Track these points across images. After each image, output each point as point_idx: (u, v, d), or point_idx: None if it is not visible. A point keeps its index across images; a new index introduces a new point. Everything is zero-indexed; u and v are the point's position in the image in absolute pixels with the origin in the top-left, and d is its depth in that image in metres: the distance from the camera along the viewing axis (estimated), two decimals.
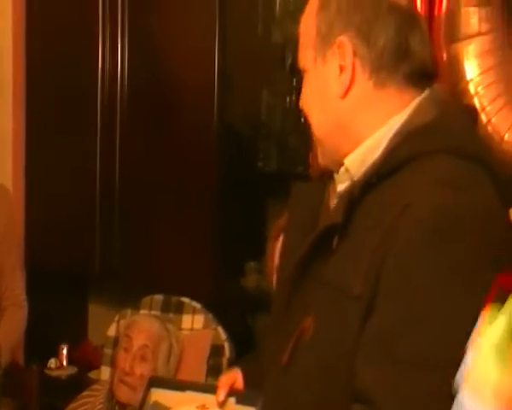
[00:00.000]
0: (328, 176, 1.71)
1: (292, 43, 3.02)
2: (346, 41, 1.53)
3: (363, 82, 1.55)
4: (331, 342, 1.49)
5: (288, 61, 3.07)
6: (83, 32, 3.42)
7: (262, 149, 3.19)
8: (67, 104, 3.50)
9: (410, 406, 1.36)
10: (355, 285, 1.44)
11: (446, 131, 1.53)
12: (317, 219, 1.66)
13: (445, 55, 2.35)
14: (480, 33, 2.27)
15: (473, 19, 2.27)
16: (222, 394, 1.85)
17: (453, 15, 2.31)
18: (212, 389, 1.95)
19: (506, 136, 2.21)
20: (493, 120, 2.26)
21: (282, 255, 1.82)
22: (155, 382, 1.97)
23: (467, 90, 2.31)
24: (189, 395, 1.88)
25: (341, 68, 1.54)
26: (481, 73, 2.28)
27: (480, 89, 2.29)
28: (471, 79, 2.30)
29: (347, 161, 1.57)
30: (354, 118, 1.57)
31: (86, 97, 3.44)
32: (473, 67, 2.30)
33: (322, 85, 1.59)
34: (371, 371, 1.39)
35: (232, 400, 1.85)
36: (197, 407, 1.77)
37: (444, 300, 1.38)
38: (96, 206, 3.45)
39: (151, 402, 1.86)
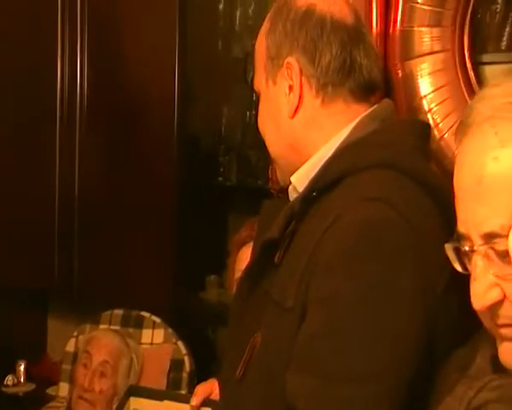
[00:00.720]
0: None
1: (252, 58, 3.06)
2: (293, 61, 1.56)
3: (311, 100, 1.58)
4: (274, 355, 1.50)
5: (249, 76, 3.01)
6: (41, 43, 3.40)
7: (222, 163, 3.20)
8: (26, 118, 3.47)
9: None
10: (288, 298, 1.46)
11: (380, 146, 1.55)
12: None
13: (400, 72, 2.37)
14: (432, 52, 2.30)
15: (425, 38, 2.31)
16: (195, 400, 1.85)
17: (407, 34, 2.34)
18: (185, 399, 1.97)
19: (456, 152, 2.25)
20: (446, 136, 2.29)
21: (242, 272, 1.79)
22: (134, 391, 2.01)
23: (421, 107, 2.34)
24: (167, 403, 1.91)
25: (290, 88, 1.58)
26: (434, 91, 2.32)
27: (433, 105, 2.33)
28: (425, 96, 2.33)
29: (293, 179, 1.60)
30: (304, 136, 1.61)
31: (45, 110, 3.42)
32: (426, 85, 2.33)
33: (274, 106, 1.63)
34: (296, 378, 1.40)
35: None
36: None
37: (366, 312, 1.38)
38: (54, 220, 3.44)
39: None
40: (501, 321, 1.13)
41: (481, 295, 1.12)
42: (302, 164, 1.60)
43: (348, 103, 1.59)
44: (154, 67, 3.21)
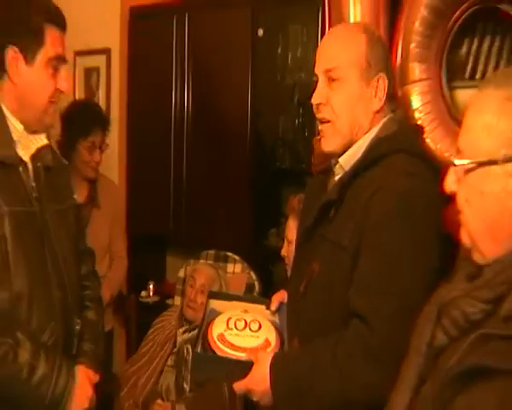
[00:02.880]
0: (326, 172, 1.72)
1: (298, 85, 3.01)
2: (384, 78, 1.56)
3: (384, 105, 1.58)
4: (332, 279, 1.51)
5: (296, 97, 3.04)
6: (162, 85, 3.45)
7: (279, 154, 3.19)
8: (154, 128, 3.53)
9: (387, 319, 1.37)
10: (345, 239, 1.47)
11: (403, 139, 1.55)
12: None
13: (399, 93, 2.32)
14: (421, 79, 2.25)
15: (416, 70, 2.25)
16: (274, 304, 1.81)
17: (404, 67, 2.29)
18: (249, 300, 1.97)
19: (439, 146, 2.20)
20: (430, 136, 2.24)
21: (300, 225, 1.81)
22: (212, 294, 1.96)
23: (413, 116, 2.29)
24: (234, 303, 1.86)
25: (376, 93, 1.55)
26: (422, 105, 2.26)
27: (421, 115, 2.27)
28: (416, 109, 2.28)
29: (341, 160, 1.59)
30: (360, 122, 1.57)
31: (164, 127, 3.46)
32: (417, 101, 2.28)
33: (361, 99, 1.55)
34: (361, 298, 1.42)
35: (268, 311, 1.82)
36: (241, 311, 1.75)
37: (405, 252, 1.40)
38: (170, 191, 3.47)
39: (209, 309, 1.82)
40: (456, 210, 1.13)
41: (446, 183, 1.13)
42: (350, 138, 1.57)
43: (383, 109, 1.60)
44: (234, 92, 3.20)
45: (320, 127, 1.63)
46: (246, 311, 1.75)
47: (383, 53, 1.58)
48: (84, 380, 1.73)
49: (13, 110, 1.66)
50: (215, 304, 1.85)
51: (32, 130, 1.72)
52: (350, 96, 1.56)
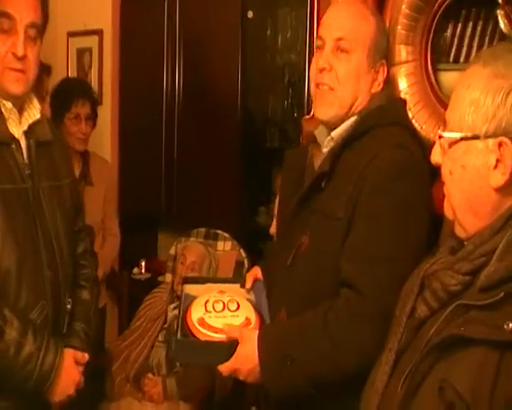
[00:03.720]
0: (305, 146, 1.72)
1: (288, 66, 3.04)
2: (385, 64, 1.61)
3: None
4: (321, 250, 1.50)
5: (286, 78, 3.05)
6: (155, 64, 3.43)
7: (269, 133, 3.20)
8: (145, 107, 3.53)
9: (377, 285, 1.38)
10: (339, 211, 1.47)
11: (393, 112, 1.58)
12: (302, 175, 1.67)
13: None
14: (407, 61, 2.25)
15: (403, 52, 2.24)
16: (249, 282, 1.79)
17: (391, 49, 2.21)
18: (224, 280, 1.93)
19: (423, 127, 2.19)
20: (416, 116, 2.22)
21: (280, 199, 1.81)
22: (187, 280, 1.91)
23: (400, 97, 2.25)
24: (209, 285, 1.82)
25: (376, 77, 1.59)
26: (408, 87, 2.25)
27: (407, 96, 2.22)
28: (402, 90, 2.26)
29: (334, 133, 1.58)
30: (362, 96, 1.58)
31: (156, 104, 3.45)
32: (403, 82, 2.26)
33: (362, 77, 1.57)
34: (352, 265, 1.42)
35: (243, 290, 1.80)
36: (217, 292, 1.69)
37: (398, 218, 1.42)
38: (161, 170, 3.48)
39: (184, 295, 1.78)
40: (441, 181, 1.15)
41: (432, 155, 1.15)
42: (345, 116, 1.58)
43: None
44: (224, 73, 3.20)
45: (316, 95, 1.60)
46: (222, 292, 1.70)
47: (386, 42, 1.63)
48: (70, 364, 1.71)
49: None
50: (190, 289, 1.81)
51: (18, 106, 1.69)
52: (356, 69, 1.56)
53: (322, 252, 1.50)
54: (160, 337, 2.88)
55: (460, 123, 1.08)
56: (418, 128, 2.22)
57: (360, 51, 1.56)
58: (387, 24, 2.30)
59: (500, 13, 1.99)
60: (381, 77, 1.59)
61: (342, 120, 1.58)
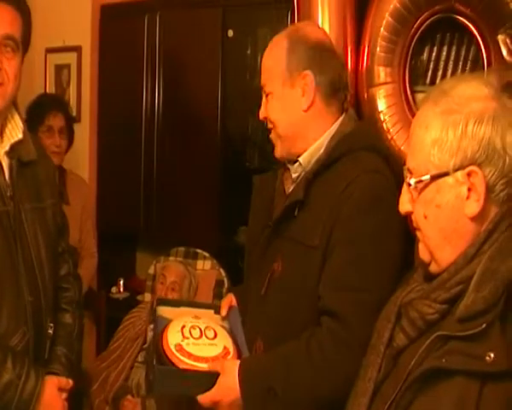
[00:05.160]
0: (279, 170, 1.70)
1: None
2: (309, 74, 1.52)
3: (319, 102, 1.54)
4: (294, 277, 1.49)
5: None
6: (135, 81, 3.42)
7: (248, 153, 3.17)
8: (124, 125, 3.50)
9: (361, 313, 1.36)
10: (314, 238, 1.46)
11: (362, 137, 1.56)
12: (272, 200, 1.66)
13: (366, 95, 2.37)
14: (386, 83, 2.29)
15: (382, 73, 2.29)
16: (224, 310, 1.76)
17: (370, 70, 2.33)
18: (198, 305, 1.87)
19: (402, 147, 2.24)
20: (394, 137, 2.28)
21: (250, 226, 1.82)
22: (160, 301, 1.84)
23: (379, 118, 2.33)
24: (183, 309, 1.77)
25: (303, 91, 1.53)
26: (387, 108, 2.30)
27: (386, 117, 2.31)
28: (381, 111, 2.32)
29: (301, 159, 1.57)
30: (308, 125, 1.55)
31: (136, 118, 3.42)
32: (382, 104, 2.31)
33: (288, 103, 1.54)
34: (334, 294, 1.41)
35: (217, 316, 1.76)
36: (192, 317, 1.65)
37: (377, 243, 1.41)
38: (140, 188, 3.45)
39: (158, 317, 1.71)
40: (413, 226, 1.15)
41: (400, 205, 1.16)
42: (301, 146, 1.56)
43: (337, 108, 1.58)
44: (204, 92, 3.19)
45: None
46: (197, 317, 1.66)
47: (306, 51, 1.54)
48: (52, 391, 1.65)
49: None
50: (163, 311, 1.75)
51: None
52: (279, 104, 1.56)
53: (296, 279, 1.49)
54: (140, 358, 2.84)
55: (426, 165, 1.09)
56: (396, 149, 2.26)
57: (277, 85, 1.55)
58: (366, 45, 2.34)
59: (501, 38, 2.02)
60: (309, 88, 1.53)
61: (300, 152, 1.57)
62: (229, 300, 1.81)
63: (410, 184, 1.11)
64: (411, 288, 1.16)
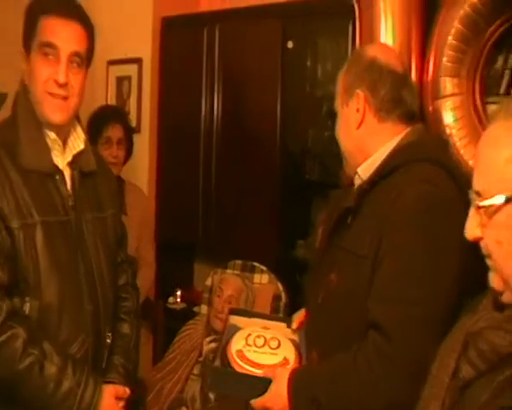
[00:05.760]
0: (349, 186, 1.72)
1: (327, 97, 2.99)
2: (360, 92, 1.57)
3: (370, 119, 1.58)
4: (349, 289, 1.49)
5: (324, 109, 3.02)
6: (194, 93, 3.44)
7: (308, 165, 3.16)
8: (183, 136, 3.52)
9: (405, 328, 1.35)
10: (363, 248, 1.46)
11: (421, 148, 1.54)
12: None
13: (431, 108, 2.33)
14: (453, 94, 2.23)
15: (448, 84, 2.23)
16: (295, 323, 1.79)
17: (436, 81, 2.27)
18: (270, 318, 1.94)
19: (470, 162, 2.18)
20: (462, 151, 2.22)
21: (315, 239, 1.87)
22: (234, 311, 1.94)
23: (444, 131, 2.27)
24: (255, 320, 1.84)
25: (357, 110, 1.58)
26: (454, 121, 2.23)
27: (453, 131, 2.24)
28: (448, 125, 2.26)
29: (359, 170, 1.61)
30: (365, 142, 1.59)
31: (195, 131, 3.45)
32: (449, 117, 2.25)
33: (345, 121, 1.62)
34: (379, 306, 1.39)
35: (289, 330, 1.80)
36: (261, 328, 1.73)
37: (426, 255, 1.37)
38: (199, 200, 3.46)
39: (229, 325, 1.80)
40: (483, 253, 1.07)
41: (467, 230, 1.08)
42: (364, 160, 1.59)
43: (395, 124, 1.58)
44: (264, 103, 3.18)
45: None
46: (266, 328, 1.73)
47: (359, 70, 1.60)
48: (110, 400, 1.67)
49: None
50: (236, 320, 1.83)
51: (62, 136, 1.70)
52: (340, 123, 1.65)
53: (350, 291, 1.49)
54: (195, 371, 2.84)
55: (499, 186, 1.01)
56: (464, 164, 2.18)
57: (339, 106, 1.64)
58: (432, 56, 2.27)
59: None
60: (361, 105, 1.58)
61: (360, 162, 1.62)
62: (302, 314, 1.82)
63: (479, 207, 1.04)
64: (480, 316, 1.10)
